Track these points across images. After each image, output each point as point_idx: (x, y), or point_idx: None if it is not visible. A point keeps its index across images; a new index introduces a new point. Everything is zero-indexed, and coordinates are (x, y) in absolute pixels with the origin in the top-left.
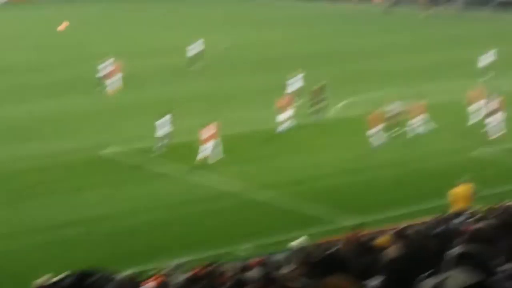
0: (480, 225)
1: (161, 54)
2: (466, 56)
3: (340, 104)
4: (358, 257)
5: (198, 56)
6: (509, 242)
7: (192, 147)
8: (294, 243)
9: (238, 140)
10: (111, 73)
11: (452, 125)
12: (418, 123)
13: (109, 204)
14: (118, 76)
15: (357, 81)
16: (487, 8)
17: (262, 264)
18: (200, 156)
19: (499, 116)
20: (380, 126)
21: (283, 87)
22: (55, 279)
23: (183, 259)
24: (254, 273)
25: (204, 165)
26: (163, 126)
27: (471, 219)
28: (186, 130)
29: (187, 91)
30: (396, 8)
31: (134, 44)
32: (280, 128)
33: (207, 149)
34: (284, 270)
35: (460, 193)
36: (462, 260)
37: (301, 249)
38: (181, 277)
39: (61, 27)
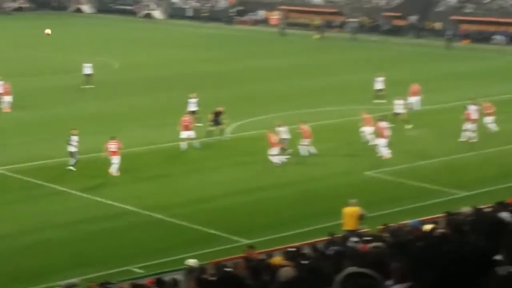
0: (372, 245)
1: (54, 74)
2: (358, 79)
3: (236, 125)
4: (252, 277)
5: (91, 76)
6: (399, 263)
7: (90, 166)
8: (189, 262)
9: (136, 159)
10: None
11: (345, 147)
12: (307, 145)
13: (3, 223)
14: (8, 97)
15: (253, 102)
16: (376, 34)
17: (157, 282)
18: (111, 169)
19: (386, 139)
20: (276, 147)
21: (180, 107)
22: None
23: (76, 278)
24: None
25: (101, 183)
26: (71, 144)
27: (362, 239)
28: (83, 149)
29: (80, 110)
30: (290, 31)
31: (25, 65)
32: (181, 147)
33: (114, 165)
34: None
35: (351, 213)
36: (350, 281)
37: (195, 269)
38: None
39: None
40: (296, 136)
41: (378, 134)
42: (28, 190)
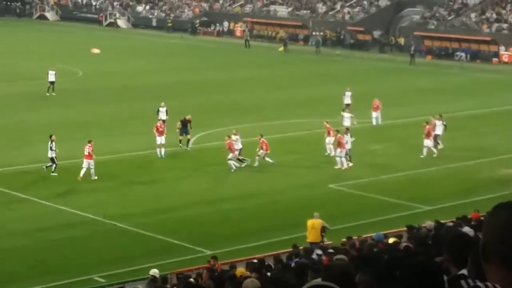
0: (336, 257)
1: (17, 80)
2: (321, 93)
3: (200, 135)
4: (216, 287)
5: (55, 83)
6: (366, 275)
7: (48, 174)
8: (150, 272)
9: (99, 168)
10: None
11: (308, 159)
12: (262, 157)
13: None
14: None
15: (217, 113)
16: (340, 48)
17: None
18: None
19: (345, 150)
20: (233, 155)
21: (144, 116)
22: None
23: (38, 287)
24: None
25: (64, 191)
26: (52, 150)
27: (326, 252)
28: (45, 157)
29: (44, 118)
30: (255, 42)
31: None
32: (158, 154)
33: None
34: None
35: (314, 226)
36: None
37: (157, 278)
38: None
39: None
40: (256, 147)
41: (338, 145)
42: None
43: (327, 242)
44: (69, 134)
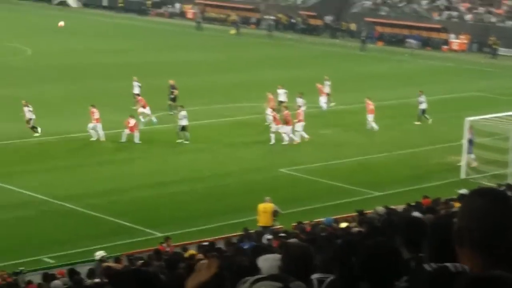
0: (291, 241)
1: None
2: (273, 76)
3: (150, 118)
4: (167, 269)
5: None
6: (320, 257)
7: (3, 153)
8: (97, 254)
9: (48, 148)
10: None
11: (259, 143)
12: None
13: None
14: None
15: (165, 95)
16: (291, 32)
17: (69, 273)
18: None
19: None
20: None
21: (93, 96)
22: None
23: None
24: (60, 283)
25: (12, 171)
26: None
27: (277, 236)
28: None
29: None
30: (207, 25)
31: None
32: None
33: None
34: (91, 280)
35: (265, 209)
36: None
37: (104, 260)
38: None
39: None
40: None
41: (285, 121)
42: None
43: (278, 226)
44: (16, 113)
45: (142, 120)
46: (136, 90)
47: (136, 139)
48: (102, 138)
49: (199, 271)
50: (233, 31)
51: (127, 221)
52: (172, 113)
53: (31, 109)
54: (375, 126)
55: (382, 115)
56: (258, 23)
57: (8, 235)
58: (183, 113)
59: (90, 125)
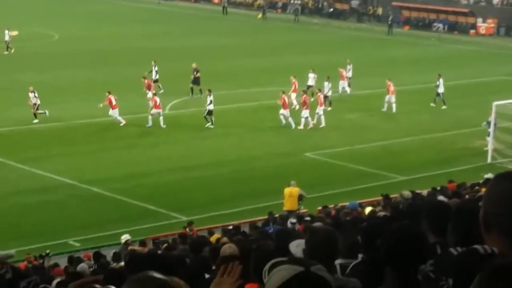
0: (316, 225)
1: None
2: (299, 61)
3: (174, 102)
4: (192, 253)
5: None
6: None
7: (27, 137)
8: (123, 238)
9: (75, 132)
10: None
11: (285, 127)
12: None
13: None
14: None
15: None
16: (318, 16)
17: (94, 256)
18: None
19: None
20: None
21: (120, 81)
22: None
23: (12, 250)
24: (85, 265)
25: (39, 155)
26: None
27: (302, 220)
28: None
29: (18, 81)
30: (233, 9)
31: None
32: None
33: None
34: (116, 263)
35: (291, 194)
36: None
37: (129, 244)
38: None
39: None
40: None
41: (303, 105)
42: None
43: (303, 210)
44: (44, 98)
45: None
46: (153, 75)
47: (162, 123)
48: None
49: (221, 277)
50: (259, 15)
51: (152, 205)
52: (193, 96)
53: (36, 95)
54: (394, 107)
55: (408, 99)
56: (284, 8)
57: (35, 219)
58: (211, 97)
59: (111, 111)
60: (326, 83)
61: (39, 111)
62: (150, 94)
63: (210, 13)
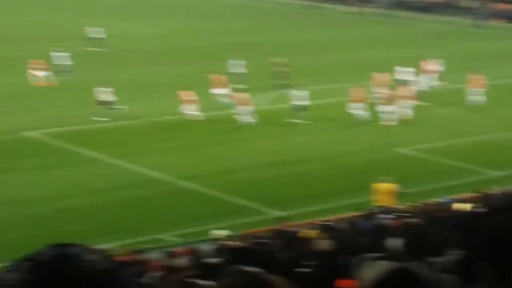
0: (411, 221)
1: (80, 40)
2: (388, 55)
3: (268, 98)
4: (285, 248)
5: (95, 39)
6: (439, 237)
7: (121, 133)
8: (218, 233)
9: (168, 128)
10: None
11: (375, 123)
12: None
13: (36, 187)
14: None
15: (283, 75)
16: (405, 10)
17: (190, 252)
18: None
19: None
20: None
21: (204, 77)
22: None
23: (108, 245)
24: (181, 261)
25: (134, 151)
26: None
27: (396, 216)
28: (115, 116)
29: (111, 77)
30: (326, 4)
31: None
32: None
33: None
34: (212, 259)
35: (385, 190)
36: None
37: (226, 239)
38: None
39: None
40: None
41: (388, 101)
42: (62, 155)
43: (397, 206)
44: (137, 94)
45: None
46: (234, 69)
47: (250, 118)
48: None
49: None
50: (351, 9)
51: (246, 200)
52: (281, 91)
53: (112, 91)
54: (481, 101)
55: (501, 93)
56: (375, 1)
57: (131, 214)
58: (300, 92)
59: (185, 106)
60: (415, 77)
61: (115, 107)
62: (228, 91)
63: (302, 9)
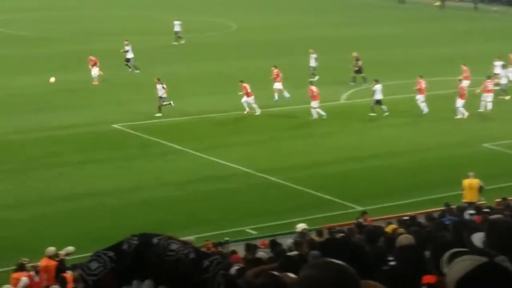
0: (495, 217)
1: (166, 34)
2: (474, 50)
3: (349, 92)
4: (368, 243)
5: (179, 33)
6: None
7: (204, 126)
8: (298, 226)
9: (250, 121)
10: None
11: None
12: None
13: (120, 178)
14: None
15: (367, 69)
16: (497, 4)
17: (271, 244)
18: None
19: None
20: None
21: (295, 71)
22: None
23: (192, 236)
24: (263, 253)
25: (215, 144)
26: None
27: (480, 211)
28: (196, 110)
29: (195, 71)
30: None
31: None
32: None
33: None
34: (294, 252)
35: (471, 185)
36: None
37: (307, 233)
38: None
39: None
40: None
41: (459, 95)
42: (145, 147)
43: (482, 201)
44: (222, 88)
45: (276, 97)
46: (312, 63)
47: (317, 114)
48: (258, 112)
49: None
50: (437, 3)
51: (326, 194)
52: (353, 84)
53: (164, 86)
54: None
55: None
56: None
57: (213, 206)
58: (378, 86)
59: (246, 99)
60: (504, 71)
61: (165, 103)
62: (279, 85)
63: (387, 2)
